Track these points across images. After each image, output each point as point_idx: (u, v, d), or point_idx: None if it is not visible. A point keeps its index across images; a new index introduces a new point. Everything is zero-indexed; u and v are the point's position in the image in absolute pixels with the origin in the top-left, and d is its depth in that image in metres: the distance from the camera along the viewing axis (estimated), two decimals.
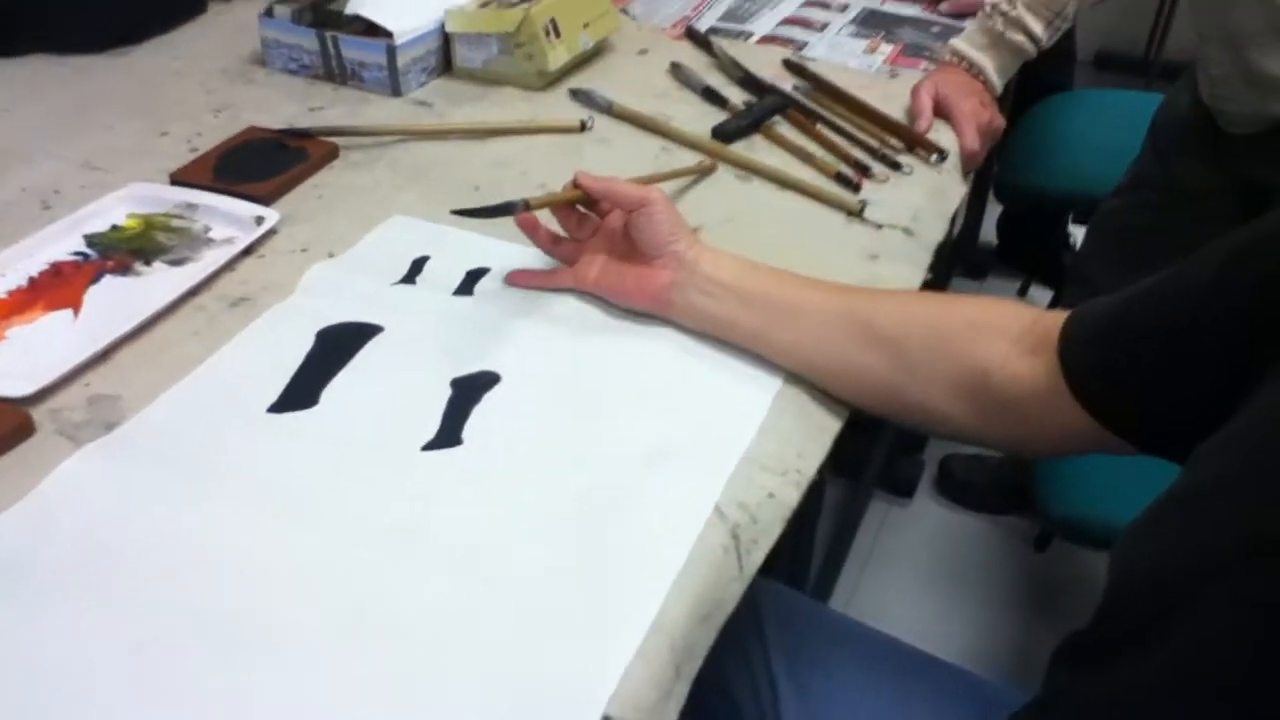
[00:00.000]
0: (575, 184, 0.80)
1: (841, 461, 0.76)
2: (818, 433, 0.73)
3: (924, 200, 0.98)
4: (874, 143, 1.05)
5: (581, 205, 0.84)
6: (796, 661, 0.80)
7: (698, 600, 0.60)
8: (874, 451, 1.69)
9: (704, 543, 0.63)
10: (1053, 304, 2.06)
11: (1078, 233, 2.17)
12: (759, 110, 1.08)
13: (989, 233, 2.33)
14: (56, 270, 0.84)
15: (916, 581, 1.69)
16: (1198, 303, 0.55)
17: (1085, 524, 1.21)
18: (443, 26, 1.16)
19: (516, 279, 0.83)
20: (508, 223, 0.84)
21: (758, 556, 0.64)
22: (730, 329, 0.76)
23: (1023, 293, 2.25)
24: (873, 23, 1.34)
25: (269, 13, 1.16)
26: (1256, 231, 0.53)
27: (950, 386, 0.68)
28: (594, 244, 0.83)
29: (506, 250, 0.87)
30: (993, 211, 2.27)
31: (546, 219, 0.84)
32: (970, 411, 0.68)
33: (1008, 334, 0.67)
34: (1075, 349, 0.62)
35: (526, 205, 0.77)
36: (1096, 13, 1.20)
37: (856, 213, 0.94)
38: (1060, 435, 0.64)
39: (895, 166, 1.01)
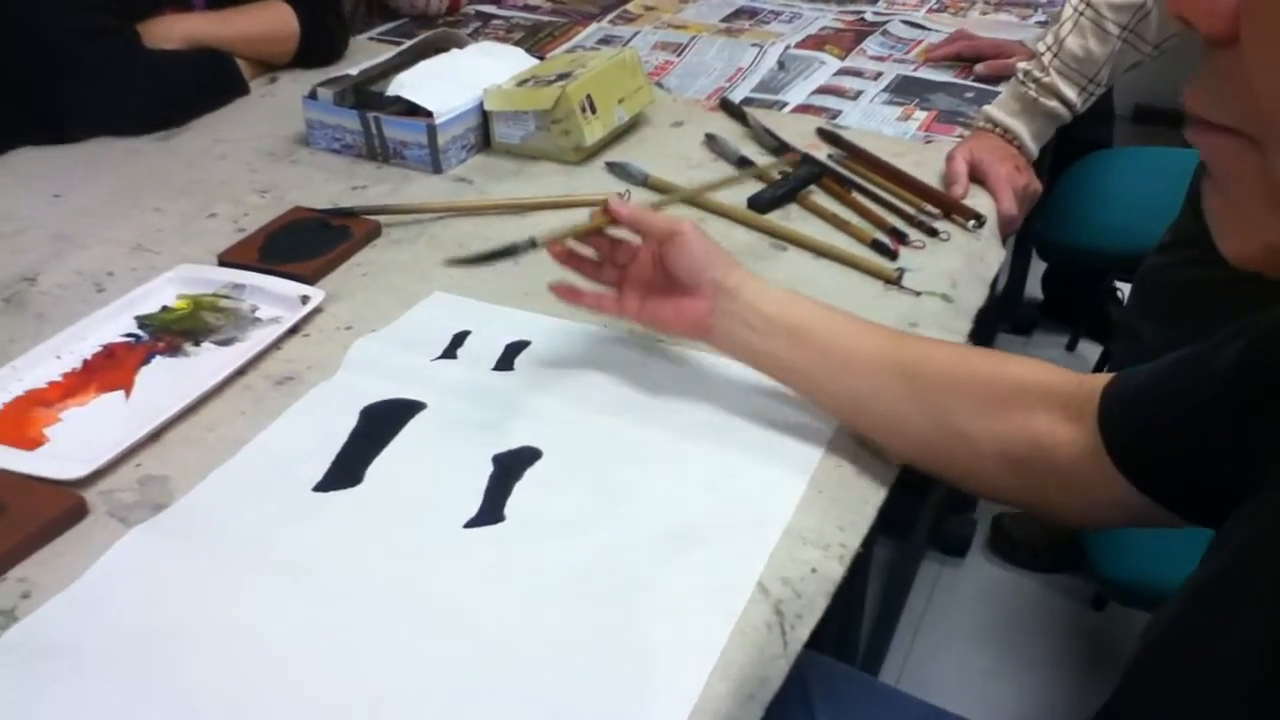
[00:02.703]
0: (605, 209, 0.80)
1: (891, 522, 0.75)
2: (859, 505, 0.72)
3: (962, 266, 0.98)
4: (910, 209, 1.05)
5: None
6: None
7: (742, 679, 0.59)
8: (924, 511, 1.67)
9: (747, 619, 0.62)
10: (1101, 359, 2.04)
11: (1124, 287, 2.16)
12: (794, 179, 1.09)
13: (1034, 288, 2.32)
14: (109, 352, 0.86)
15: (971, 643, 1.66)
16: (1222, 384, 0.56)
17: (1137, 586, 1.18)
18: (481, 105, 1.18)
19: (564, 294, 0.82)
20: (547, 297, 0.85)
21: (802, 633, 0.64)
22: (773, 367, 0.75)
23: (1071, 348, 2.23)
24: (906, 89, 1.35)
25: (313, 95, 1.19)
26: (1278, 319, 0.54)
27: (1000, 453, 0.68)
28: (634, 271, 0.81)
29: (545, 324, 0.88)
30: (1037, 267, 2.26)
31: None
32: (1017, 477, 0.68)
33: (1056, 398, 0.67)
34: (1114, 418, 0.62)
35: (533, 244, 0.77)
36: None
37: (894, 280, 0.94)
38: (1106, 504, 0.64)
39: (932, 233, 1.02)
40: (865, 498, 0.73)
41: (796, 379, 0.75)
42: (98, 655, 0.61)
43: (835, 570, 0.67)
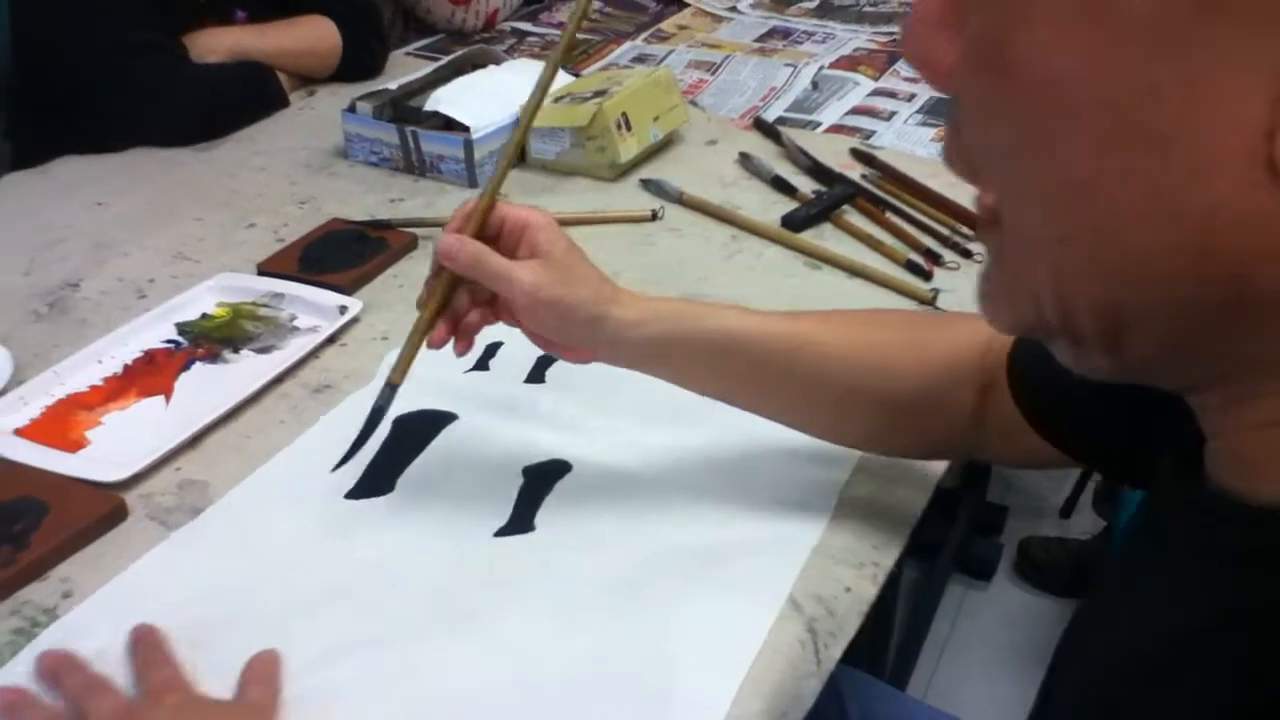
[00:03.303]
0: (440, 263, 0.66)
1: (918, 543, 0.75)
2: (893, 524, 0.72)
3: None
4: (944, 230, 1.05)
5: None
6: None
7: (775, 695, 0.59)
8: (951, 534, 1.66)
9: (780, 637, 0.62)
10: None
11: None
12: (828, 199, 1.09)
13: None
14: (150, 358, 0.87)
15: (996, 667, 1.65)
16: None
17: None
18: (517, 121, 1.19)
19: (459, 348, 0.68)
20: None
21: (835, 651, 0.64)
22: (687, 389, 0.70)
23: None
24: (940, 111, 1.35)
25: (352, 108, 1.21)
26: None
27: (932, 442, 0.71)
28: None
29: None
30: None
31: None
32: (948, 447, 0.72)
33: (970, 374, 0.67)
34: (1027, 386, 0.63)
35: (392, 387, 0.67)
36: None
37: (928, 301, 0.94)
38: (1025, 455, 0.65)
39: (966, 254, 1.02)
40: (899, 516, 0.73)
41: (714, 396, 0.71)
42: (128, 658, 0.61)
43: (869, 590, 0.67)
